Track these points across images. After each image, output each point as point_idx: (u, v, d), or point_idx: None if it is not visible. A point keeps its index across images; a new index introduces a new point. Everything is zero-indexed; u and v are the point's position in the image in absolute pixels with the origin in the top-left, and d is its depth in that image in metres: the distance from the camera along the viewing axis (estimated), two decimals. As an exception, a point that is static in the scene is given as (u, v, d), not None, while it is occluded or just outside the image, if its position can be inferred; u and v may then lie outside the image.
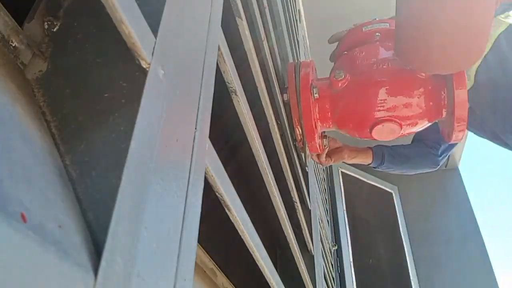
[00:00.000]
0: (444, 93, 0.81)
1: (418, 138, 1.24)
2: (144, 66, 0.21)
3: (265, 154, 0.51)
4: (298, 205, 0.76)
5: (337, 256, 2.33)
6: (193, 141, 0.25)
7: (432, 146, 1.21)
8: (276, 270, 0.48)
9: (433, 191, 3.10)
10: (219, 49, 0.35)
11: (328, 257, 1.57)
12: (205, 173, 0.27)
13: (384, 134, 0.84)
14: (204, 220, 0.26)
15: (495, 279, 2.60)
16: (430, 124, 0.86)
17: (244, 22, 0.51)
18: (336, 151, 1.11)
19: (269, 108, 0.62)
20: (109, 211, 0.16)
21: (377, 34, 0.90)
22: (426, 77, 0.81)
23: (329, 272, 1.49)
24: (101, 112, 0.20)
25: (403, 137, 0.86)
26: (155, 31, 0.22)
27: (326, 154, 1.09)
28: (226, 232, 0.46)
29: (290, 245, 0.65)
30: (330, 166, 2.84)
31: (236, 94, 0.42)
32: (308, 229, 0.85)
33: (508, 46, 0.93)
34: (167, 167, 0.21)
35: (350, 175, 2.92)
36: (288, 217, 0.62)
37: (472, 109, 0.84)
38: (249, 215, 0.37)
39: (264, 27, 0.68)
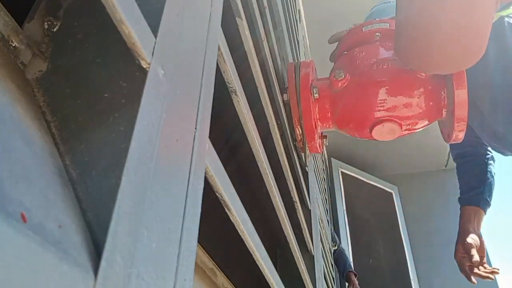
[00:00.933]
0: (444, 93, 0.81)
1: (469, 152, 1.24)
2: (144, 66, 0.21)
3: (265, 154, 0.51)
4: (298, 205, 0.76)
5: (337, 256, 2.33)
6: (193, 141, 0.25)
7: (482, 152, 1.21)
8: (276, 270, 0.48)
9: (433, 191, 3.11)
10: (219, 49, 0.35)
11: (328, 257, 1.57)
12: (205, 173, 0.27)
13: (384, 134, 0.84)
14: (204, 220, 0.26)
15: (495, 279, 2.60)
16: (430, 124, 0.86)
17: (244, 22, 0.51)
18: (480, 248, 1.14)
19: (269, 108, 0.62)
20: (109, 211, 0.16)
21: (377, 34, 0.90)
22: (426, 77, 0.81)
23: (329, 272, 1.49)
24: (101, 112, 0.20)
25: (403, 136, 0.86)
26: (155, 31, 0.22)
27: (481, 262, 1.11)
28: (226, 232, 0.46)
29: (290, 245, 0.65)
30: (330, 166, 2.84)
31: (236, 94, 0.42)
32: (308, 229, 0.85)
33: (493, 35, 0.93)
34: (167, 167, 0.21)
35: (350, 175, 2.92)
36: (288, 217, 0.62)
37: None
38: (249, 215, 0.37)
39: (264, 27, 0.68)
